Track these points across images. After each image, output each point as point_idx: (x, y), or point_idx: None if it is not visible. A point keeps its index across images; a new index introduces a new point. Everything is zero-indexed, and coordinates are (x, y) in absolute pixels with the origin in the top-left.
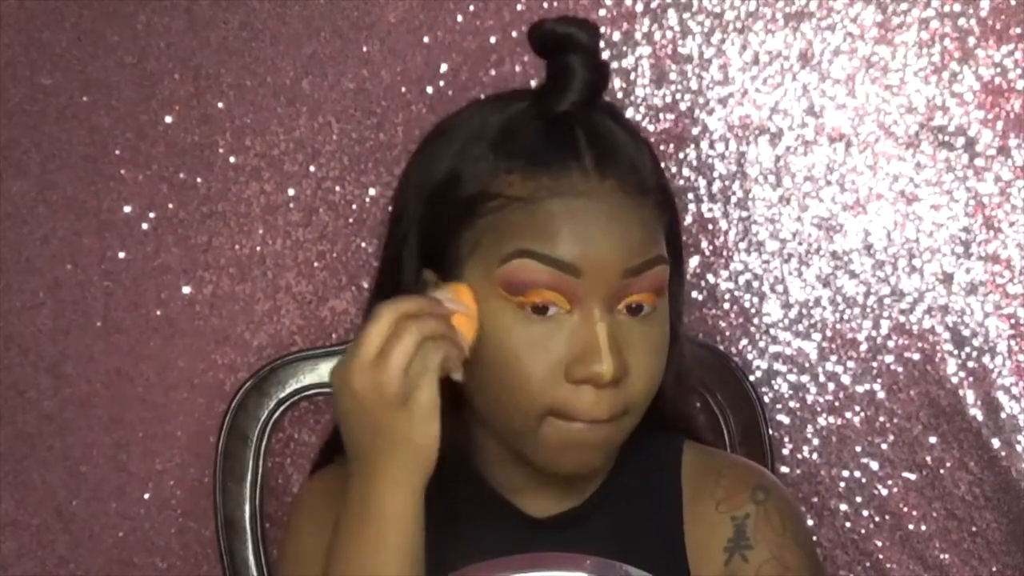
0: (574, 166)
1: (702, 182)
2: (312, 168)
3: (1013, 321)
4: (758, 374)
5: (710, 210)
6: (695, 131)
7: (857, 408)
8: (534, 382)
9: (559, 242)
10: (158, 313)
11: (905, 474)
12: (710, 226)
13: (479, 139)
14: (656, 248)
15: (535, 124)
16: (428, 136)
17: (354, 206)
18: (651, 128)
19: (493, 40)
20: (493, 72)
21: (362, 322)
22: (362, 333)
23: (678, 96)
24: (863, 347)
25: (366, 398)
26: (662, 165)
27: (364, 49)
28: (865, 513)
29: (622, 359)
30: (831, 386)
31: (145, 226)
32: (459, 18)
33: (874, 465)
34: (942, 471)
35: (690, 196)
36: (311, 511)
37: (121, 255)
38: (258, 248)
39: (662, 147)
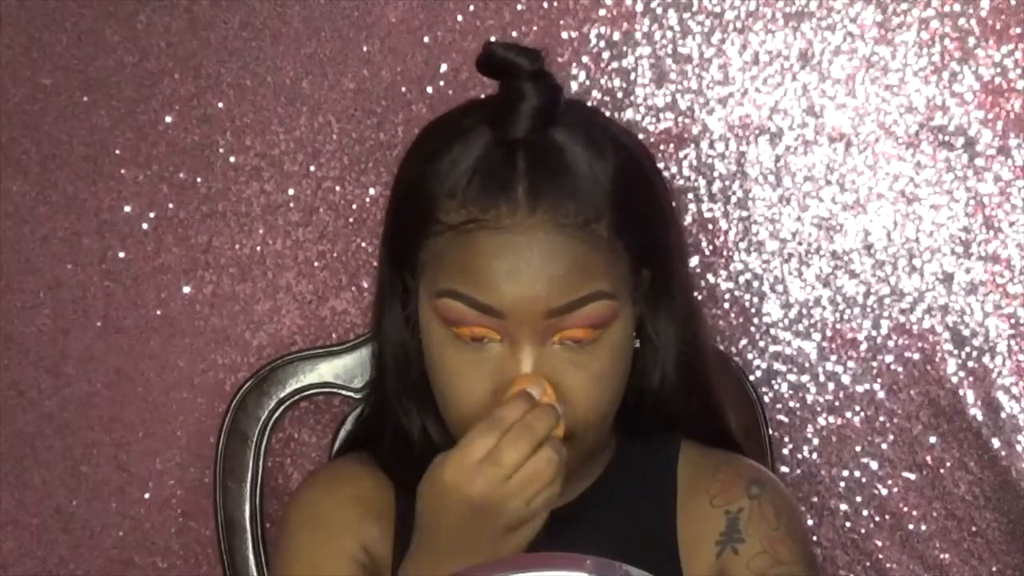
0: (503, 198)
1: (702, 182)
2: (312, 168)
3: (1013, 321)
4: (758, 374)
5: (710, 210)
6: (695, 131)
7: (857, 408)
8: (465, 407)
9: (479, 284)
10: (158, 313)
11: (905, 474)
12: (710, 226)
13: (437, 159)
14: (591, 284)
15: (481, 150)
16: (413, 141)
17: (354, 206)
18: (651, 128)
19: (493, 40)
20: None
21: (480, 424)
22: (503, 442)
23: (678, 96)
24: (863, 347)
25: (483, 507)
26: (640, 176)
27: (364, 49)
28: (865, 513)
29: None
30: (831, 386)
31: (145, 226)
32: (459, 18)
33: (874, 465)
34: (942, 471)
35: (690, 196)
36: (309, 512)
37: (121, 255)
38: (258, 248)
39: (662, 147)
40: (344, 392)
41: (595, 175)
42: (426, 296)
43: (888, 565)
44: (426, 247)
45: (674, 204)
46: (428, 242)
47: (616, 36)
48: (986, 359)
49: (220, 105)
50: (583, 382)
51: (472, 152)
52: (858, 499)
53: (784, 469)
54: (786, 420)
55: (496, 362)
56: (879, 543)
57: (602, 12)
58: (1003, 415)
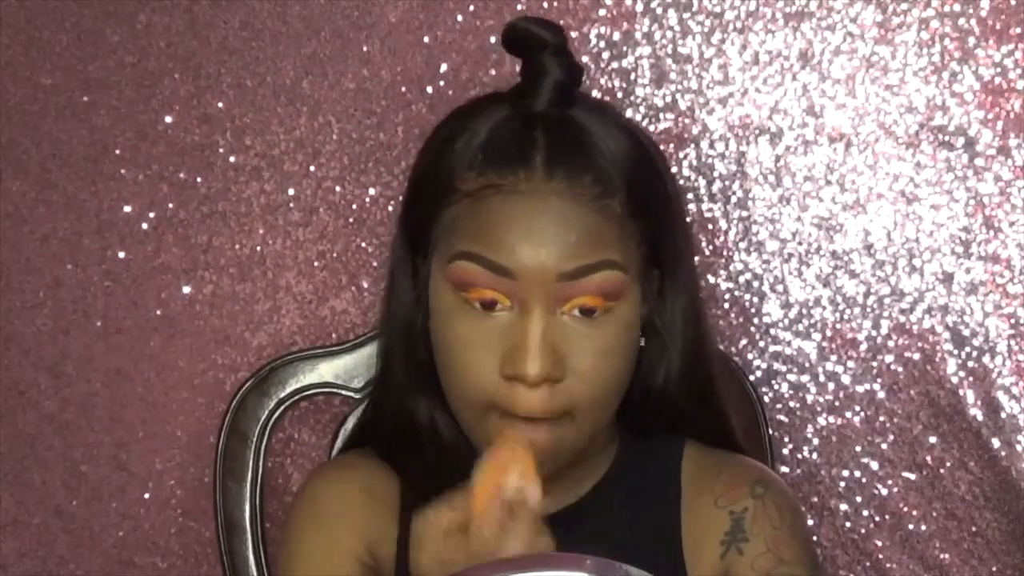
0: (521, 165)
1: (702, 182)
2: (312, 168)
3: (1013, 321)
4: (758, 374)
5: (710, 210)
6: (695, 131)
7: (857, 408)
8: (472, 376)
9: (494, 245)
10: (158, 313)
11: (905, 474)
12: (710, 226)
13: (456, 136)
14: (602, 252)
15: (501, 123)
16: (434, 127)
17: (354, 206)
18: (651, 128)
19: (493, 40)
20: (493, 72)
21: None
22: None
23: (678, 96)
24: (863, 347)
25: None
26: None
27: (364, 49)
28: (865, 513)
29: (557, 359)
30: (831, 386)
31: (145, 226)
32: (459, 18)
33: (874, 465)
34: (942, 471)
35: (690, 196)
36: (315, 508)
37: (121, 255)
38: (258, 248)
39: (662, 147)
40: (344, 392)
41: (612, 153)
42: (438, 266)
43: (888, 565)
44: (441, 220)
45: (682, 204)
46: (444, 213)
47: (616, 36)
48: (986, 359)
49: (220, 105)
50: (590, 354)
51: (491, 125)
52: (858, 499)
53: (784, 469)
54: (786, 420)
55: (504, 329)
56: (879, 543)
57: (602, 12)
58: (1003, 415)
